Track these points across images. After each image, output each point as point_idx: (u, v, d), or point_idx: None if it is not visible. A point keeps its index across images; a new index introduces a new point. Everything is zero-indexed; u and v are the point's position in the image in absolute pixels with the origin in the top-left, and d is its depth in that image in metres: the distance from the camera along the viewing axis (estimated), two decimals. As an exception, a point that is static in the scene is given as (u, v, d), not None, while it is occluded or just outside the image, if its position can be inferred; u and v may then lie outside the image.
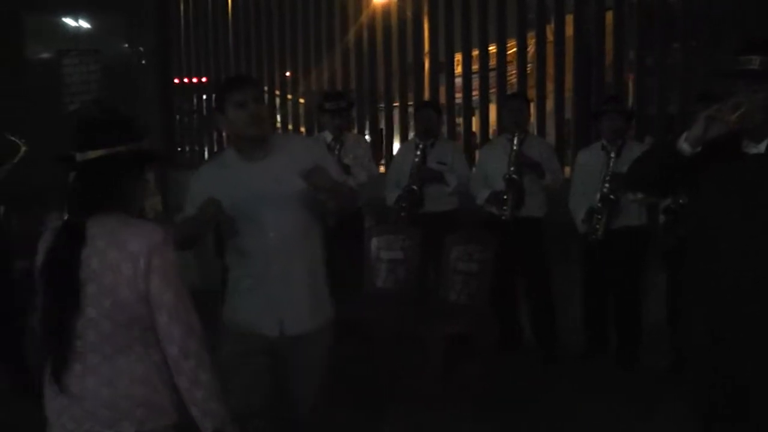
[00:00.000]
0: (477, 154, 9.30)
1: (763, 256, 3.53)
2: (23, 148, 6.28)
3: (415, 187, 7.52)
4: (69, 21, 13.29)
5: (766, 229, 3.52)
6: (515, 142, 7.15)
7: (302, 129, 11.80)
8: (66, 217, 3.02)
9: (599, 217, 6.86)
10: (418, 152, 7.59)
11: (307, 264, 4.25)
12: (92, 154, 3.01)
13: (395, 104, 10.89)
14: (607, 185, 6.82)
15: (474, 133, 10.64)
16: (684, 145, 3.52)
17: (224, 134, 7.26)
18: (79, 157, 3.04)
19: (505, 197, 7.16)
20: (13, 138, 6.30)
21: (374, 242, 7.20)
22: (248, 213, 4.12)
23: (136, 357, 2.97)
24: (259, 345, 4.19)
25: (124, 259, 2.90)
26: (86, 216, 2.99)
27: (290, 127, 12.11)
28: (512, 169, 7.11)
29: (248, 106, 4.07)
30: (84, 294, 2.90)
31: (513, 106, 7.44)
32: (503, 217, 7.17)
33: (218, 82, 13.00)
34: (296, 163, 4.06)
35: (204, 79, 13.46)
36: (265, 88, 11.98)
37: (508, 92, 9.48)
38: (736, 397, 3.67)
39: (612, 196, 6.79)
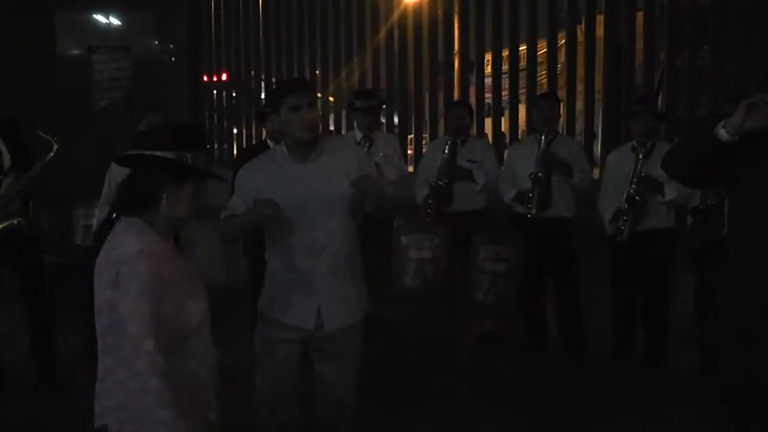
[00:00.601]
0: (506, 153, 9.28)
1: None
2: (56, 146, 6.35)
3: (443, 183, 7.50)
4: (99, 18, 13.36)
5: None
6: (543, 141, 7.12)
7: (331, 128, 11.82)
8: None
9: (625, 218, 6.83)
10: (447, 149, 7.57)
11: (349, 262, 4.41)
12: (131, 152, 3.15)
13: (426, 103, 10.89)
14: (633, 186, 6.78)
15: (503, 133, 10.62)
16: (722, 131, 3.45)
17: (264, 132, 7.27)
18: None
19: (530, 195, 7.14)
20: (45, 136, 6.37)
21: (403, 241, 7.19)
22: (297, 211, 4.25)
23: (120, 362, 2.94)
24: (295, 335, 4.35)
25: (106, 265, 2.97)
26: (117, 215, 3.10)
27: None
28: (539, 167, 7.09)
29: (302, 110, 4.17)
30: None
31: (544, 105, 7.41)
32: (528, 216, 7.15)
33: (240, 79, 13.11)
34: (345, 166, 4.29)
35: (224, 77, 13.53)
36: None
37: (538, 92, 9.47)
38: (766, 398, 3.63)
39: (638, 198, 6.75)
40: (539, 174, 7.09)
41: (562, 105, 8.00)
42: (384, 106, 9.82)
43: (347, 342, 4.41)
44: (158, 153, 3.12)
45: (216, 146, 13.59)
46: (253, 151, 7.44)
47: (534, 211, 7.13)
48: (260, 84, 12.93)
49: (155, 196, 3.07)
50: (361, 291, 4.51)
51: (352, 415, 4.53)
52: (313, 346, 4.39)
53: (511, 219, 7.41)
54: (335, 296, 4.34)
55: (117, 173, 6.42)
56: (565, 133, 8.91)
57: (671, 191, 6.70)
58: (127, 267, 2.89)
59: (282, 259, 4.39)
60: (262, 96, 12.84)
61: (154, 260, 2.93)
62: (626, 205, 6.82)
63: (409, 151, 10.83)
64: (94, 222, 8.47)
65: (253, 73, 12.92)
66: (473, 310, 6.71)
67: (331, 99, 12.04)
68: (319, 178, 4.27)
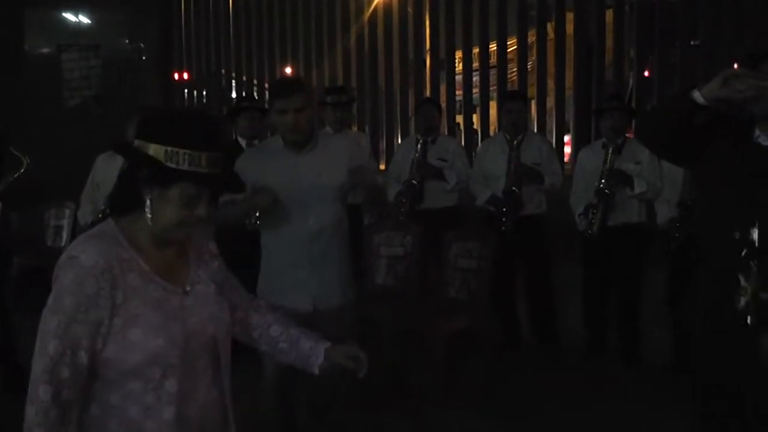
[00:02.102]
0: (476, 151, 9.32)
1: None
2: (26, 162, 6.38)
3: (415, 182, 7.52)
4: (69, 16, 13.29)
5: None
6: (514, 145, 7.15)
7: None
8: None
9: (595, 212, 6.85)
10: (418, 148, 7.58)
11: (339, 248, 4.70)
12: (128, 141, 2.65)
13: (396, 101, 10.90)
14: (603, 181, 6.80)
15: (475, 130, 10.65)
16: (696, 93, 3.44)
17: (234, 130, 7.30)
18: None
19: (504, 209, 7.17)
20: (16, 153, 6.40)
21: (374, 239, 7.19)
22: (292, 200, 4.54)
23: None
24: (295, 317, 4.38)
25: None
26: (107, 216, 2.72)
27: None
28: (510, 182, 7.12)
29: (288, 114, 4.45)
30: None
31: (511, 107, 7.39)
32: (503, 228, 7.16)
33: (205, 78, 13.07)
34: (338, 159, 4.63)
35: (189, 75, 13.50)
36: (266, 85, 12.01)
37: (509, 90, 9.50)
38: (739, 388, 3.67)
39: (607, 191, 6.77)
40: (513, 188, 7.12)
41: (533, 102, 8.04)
42: (355, 103, 9.82)
43: (342, 321, 4.62)
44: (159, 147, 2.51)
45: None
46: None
47: (509, 224, 7.14)
48: (231, 82, 12.89)
49: (135, 199, 2.55)
50: (350, 274, 4.81)
51: (344, 394, 4.82)
52: (311, 327, 4.45)
53: (484, 216, 7.42)
54: (329, 279, 4.62)
55: (101, 169, 6.44)
56: (536, 130, 8.93)
57: (640, 185, 6.74)
58: (59, 271, 2.47)
59: (278, 246, 4.66)
60: (233, 94, 12.80)
61: (86, 270, 2.43)
62: (596, 199, 6.85)
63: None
64: (65, 223, 8.45)
65: (224, 71, 12.89)
66: (446, 307, 6.72)
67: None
68: (312, 170, 4.54)
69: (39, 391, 2.36)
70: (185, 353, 2.54)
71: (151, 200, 2.51)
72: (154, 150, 2.48)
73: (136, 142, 2.54)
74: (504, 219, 7.15)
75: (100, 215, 6.27)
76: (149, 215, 2.52)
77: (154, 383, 2.50)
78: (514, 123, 7.24)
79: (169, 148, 2.47)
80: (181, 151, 2.47)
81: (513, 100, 7.56)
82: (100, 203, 6.41)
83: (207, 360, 2.66)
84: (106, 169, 6.41)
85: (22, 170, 6.39)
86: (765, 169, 3.53)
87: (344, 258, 4.75)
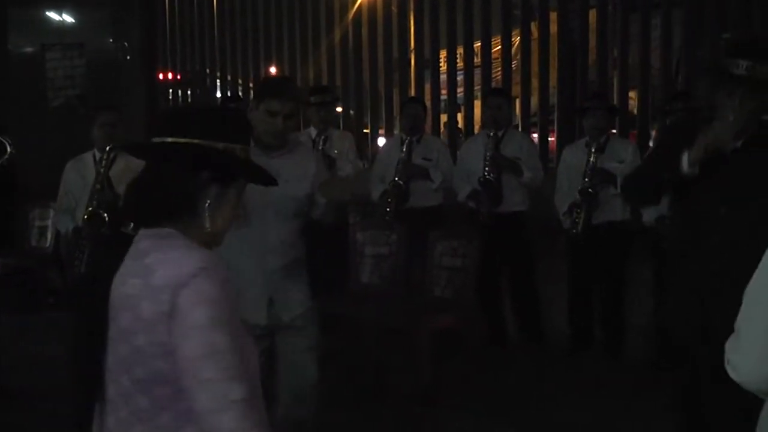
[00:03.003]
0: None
1: (753, 248, 3.56)
2: (9, 149, 6.33)
3: (400, 182, 7.53)
4: (53, 15, 13.25)
5: (752, 221, 3.56)
6: (491, 141, 7.20)
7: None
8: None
9: (579, 211, 6.89)
10: (404, 148, 7.60)
11: (296, 259, 4.48)
12: (157, 141, 2.30)
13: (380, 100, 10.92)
14: (587, 180, 6.84)
15: (460, 129, 10.68)
16: (687, 169, 3.56)
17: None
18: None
19: (478, 197, 7.21)
20: (2, 138, 6.35)
21: (359, 238, 7.20)
22: (253, 207, 4.26)
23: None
24: (253, 333, 4.31)
25: (145, 295, 2.15)
26: (136, 224, 2.33)
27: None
28: (487, 170, 7.16)
29: (278, 117, 4.25)
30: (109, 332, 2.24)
31: (492, 102, 7.47)
32: (480, 218, 7.21)
33: (190, 77, 13.05)
34: (303, 169, 4.42)
35: (173, 75, 13.48)
36: (250, 85, 12.01)
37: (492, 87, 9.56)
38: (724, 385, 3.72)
39: (591, 190, 6.81)
40: (488, 177, 7.16)
41: (517, 101, 8.07)
42: (339, 102, 9.84)
43: (305, 323, 4.49)
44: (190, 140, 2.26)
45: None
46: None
47: (484, 212, 7.20)
48: (215, 81, 12.88)
49: (192, 201, 2.26)
50: (306, 285, 4.57)
51: (316, 398, 4.59)
52: (274, 336, 4.45)
53: (468, 214, 7.45)
54: (286, 293, 4.41)
55: (72, 179, 6.26)
56: (520, 129, 8.97)
57: (624, 182, 6.79)
58: (189, 290, 2.10)
59: (237, 255, 4.28)
60: (218, 94, 12.79)
61: (221, 280, 2.18)
62: (580, 198, 6.88)
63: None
64: (50, 223, 8.41)
65: (208, 70, 12.88)
66: (431, 305, 6.74)
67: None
68: (280, 175, 4.17)
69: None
70: None
71: (209, 202, 2.26)
72: (223, 147, 2.28)
73: (197, 141, 2.26)
74: (479, 209, 7.20)
75: (84, 220, 6.06)
76: (209, 218, 2.27)
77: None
78: (494, 118, 7.29)
79: (229, 145, 2.30)
80: (237, 146, 2.34)
81: (493, 96, 7.69)
82: (78, 211, 6.10)
83: None
84: (76, 176, 6.25)
85: (6, 156, 6.34)
86: (731, 170, 3.63)
87: (301, 269, 4.54)
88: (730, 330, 2.52)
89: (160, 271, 2.13)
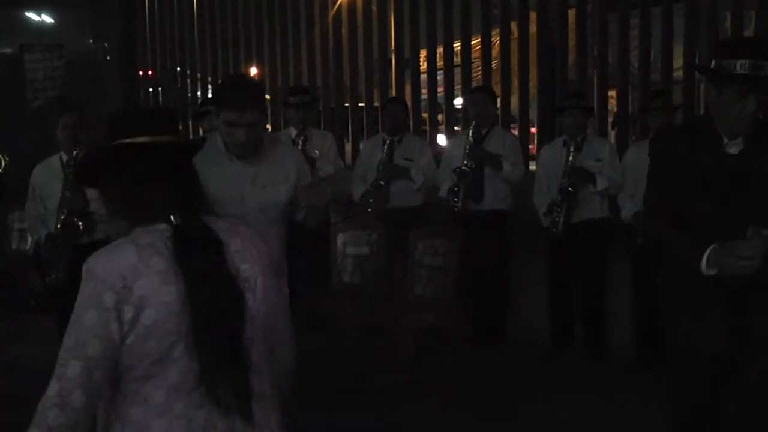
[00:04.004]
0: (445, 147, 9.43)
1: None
2: (3, 162, 6.25)
3: (381, 183, 7.55)
4: (32, 15, 13.22)
5: (756, 225, 3.60)
6: (471, 134, 7.25)
7: (267, 125, 11.80)
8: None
9: (558, 209, 6.93)
10: (385, 148, 7.63)
11: (276, 262, 4.20)
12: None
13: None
14: (566, 178, 6.88)
15: (440, 128, 10.71)
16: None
17: (201, 130, 7.24)
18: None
19: (456, 189, 7.25)
20: None
21: (340, 238, 7.22)
22: (230, 211, 4.12)
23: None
24: None
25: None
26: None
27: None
28: (465, 162, 7.20)
29: (238, 129, 4.03)
30: None
31: (476, 99, 7.57)
32: (455, 209, 7.26)
33: (160, 76, 13.03)
34: (284, 172, 4.25)
35: (150, 72, 13.44)
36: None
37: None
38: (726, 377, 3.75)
39: (570, 189, 6.86)
40: (463, 167, 7.20)
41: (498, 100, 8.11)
42: (319, 102, 9.86)
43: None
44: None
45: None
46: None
47: (459, 205, 7.25)
48: (196, 81, 12.86)
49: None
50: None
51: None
52: None
53: (449, 213, 7.48)
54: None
55: (39, 183, 6.05)
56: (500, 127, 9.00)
57: (603, 181, 6.85)
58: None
59: None
60: (198, 94, 12.76)
61: None
62: (559, 197, 6.93)
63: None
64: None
65: (189, 71, 12.85)
66: (413, 304, 6.77)
67: (267, 97, 12.01)
68: (255, 182, 4.21)
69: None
70: None
71: None
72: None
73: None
74: (456, 200, 7.24)
75: (57, 229, 5.90)
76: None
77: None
78: (477, 113, 7.35)
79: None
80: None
81: (477, 92, 7.82)
82: (49, 216, 5.88)
83: None
84: (44, 180, 5.99)
85: (1, 169, 6.28)
86: (736, 174, 3.62)
87: (279, 271, 4.21)
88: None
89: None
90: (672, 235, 3.83)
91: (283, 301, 2.70)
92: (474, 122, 7.37)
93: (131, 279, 2.21)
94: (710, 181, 3.67)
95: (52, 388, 2.17)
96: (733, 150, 3.68)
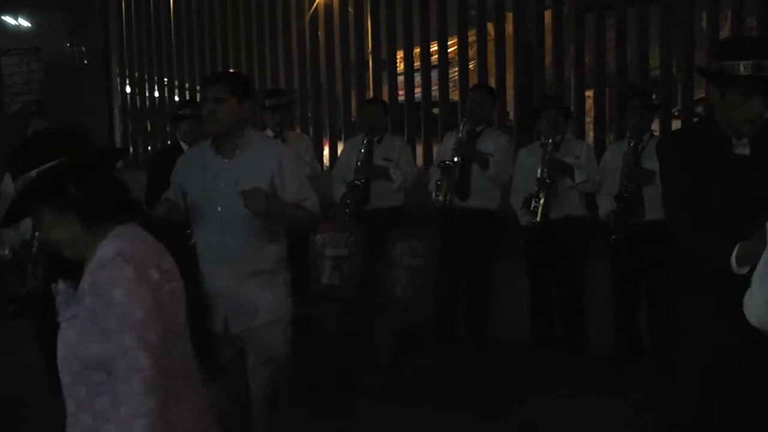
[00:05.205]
0: (419, 149, 9.46)
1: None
2: None
3: (359, 183, 7.56)
4: (9, 19, 13.15)
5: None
6: (461, 131, 7.27)
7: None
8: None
9: (537, 201, 6.93)
10: (363, 148, 7.64)
11: (256, 263, 4.36)
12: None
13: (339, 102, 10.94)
14: (544, 170, 6.90)
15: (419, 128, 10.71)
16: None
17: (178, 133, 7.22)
18: None
19: (439, 183, 7.28)
20: None
21: (319, 239, 7.23)
22: (205, 208, 4.27)
23: None
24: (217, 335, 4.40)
25: None
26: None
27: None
28: (454, 157, 7.24)
29: (207, 103, 4.22)
30: None
31: (475, 96, 7.64)
32: (436, 203, 7.28)
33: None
34: (260, 166, 4.27)
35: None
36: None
37: (451, 90, 9.65)
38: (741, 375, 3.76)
39: (548, 180, 6.88)
40: (447, 162, 7.23)
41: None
42: (296, 104, 9.87)
43: (265, 344, 4.43)
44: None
45: (131, 148, 13.44)
46: (166, 153, 7.44)
47: (441, 199, 7.27)
48: (173, 85, 12.82)
49: None
50: (271, 294, 4.44)
51: (268, 413, 4.57)
52: (226, 348, 4.46)
53: (435, 211, 7.48)
54: (244, 299, 4.31)
55: (10, 190, 6.02)
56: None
57: (580, 174, 6.89)
58: None
59: (200, 258, 4.42)
60: (176, 98, 12.73)
61: None
62: (537, 189, 6.93)
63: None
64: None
65: (166, 78, 12.81)
66: (392, 306, 6.78)
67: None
68: (231, 177, 4.25)
69: None
70: None
71: None
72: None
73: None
74: (438, 194, 7.26)
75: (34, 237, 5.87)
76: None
77: None
78: (471, 111, 7.40)
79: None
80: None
81: (477, 90, 7.89)
82: (26, 227, 5.84)
83: None
84: (8, 185, 6.02)
85: None
86: (746, 175, 3.64)
87: (266, 273, 4.41)
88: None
89: None
90: (698, 237, 3.76)
91: None
92: (466, 119, 7.40)
93: (158, 257, 2.46)
94: (722, 183, 3.66)
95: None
96: (743, 151, 3.69)
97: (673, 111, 8.71)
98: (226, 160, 4.30)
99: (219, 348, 4.43)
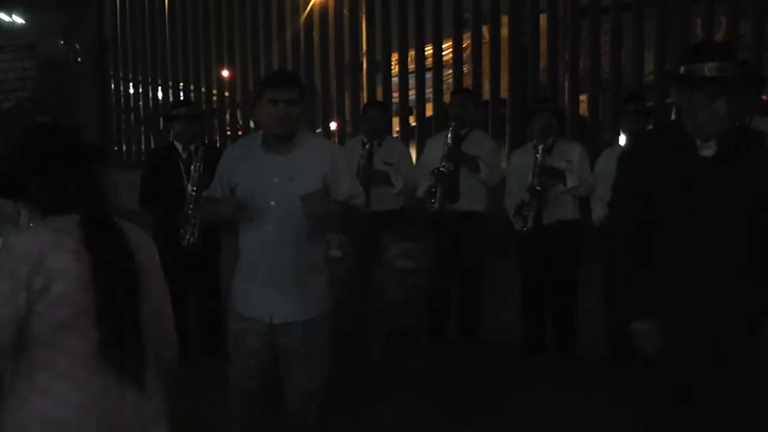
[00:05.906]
0: (413, 151, 9.43)
1: (733, 253, 3.67)
2: None
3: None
4: (3, 16, 13.13)
5: (730, 227, 3.66)
6: (450, 136, 7.28)
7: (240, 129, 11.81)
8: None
9: (528, 209, 6.95)
10: (364, 152, 7.63)
11: (302, 259, 4.45)
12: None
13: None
14: (535, 178, 6.91)
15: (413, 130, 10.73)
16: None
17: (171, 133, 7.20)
18: None
19: (434, 190, 7.28)
20: None
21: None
22: (257, 204, 4.35)
23: None
24: (255, 326, 4.46)
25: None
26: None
27: (228, 126, 12.12)
28: (444, 163, 7.23)
29: (279, 105, 4.26)
30: None
31: (455, 100, 7.64)
32: (431, 209, 7.29)
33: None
34: (315, 165, 4.38)
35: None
36: (202, 89, 11.97)
37: (445, 92, 9.63)
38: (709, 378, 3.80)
39: (539, 188, 6.89)
40: (441, 169, 7.23)
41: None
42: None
43: (304, 335, 4.47)
44: None
45: (124, 147, 13.43)
46: (160, 152, 7.43)
47: (436, 206, 7.27)
48: (168, 85, 12.81)
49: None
50: (318, 288, 4.54)
51: (317, 406, 4.72)
52: (275, 337, 4.47)
53: (427, 215, 7.48)
54: (289, 292, 4.40)
55: None
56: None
57: (573, 179, 6.89)
58: None
59: (243, 250, 4.53)
60: (170, 98, 12.71)
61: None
62: (529, 196, 6.95)
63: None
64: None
65: (160, 79, 12.80)
66: (385, 307, 6.78)
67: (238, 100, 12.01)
68: (284, 174, 4.35)
69: None
70: None
71: None
72: None
73: None
74: (433, 200, 7.26)
75: None
76: None
77: None
78: (456, 114, 7.40)
79: None
80: None
81: (458, 94, 7.91)
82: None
83: None
84: None
85: None
86: (710, 176, 3.68)
87: (310, 270, 4.48)
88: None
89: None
90: (624, 271, 4.03)
91: (168, 307, 2.92)
92: (453, 123, 7.41)
93: (46, 254, 2.51)
94: (684, 184, 3.72)
95: None
96: (707, 153, 3.73)
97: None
98: (279, 158, 4.38)
99: (247, 340, 4.49)
